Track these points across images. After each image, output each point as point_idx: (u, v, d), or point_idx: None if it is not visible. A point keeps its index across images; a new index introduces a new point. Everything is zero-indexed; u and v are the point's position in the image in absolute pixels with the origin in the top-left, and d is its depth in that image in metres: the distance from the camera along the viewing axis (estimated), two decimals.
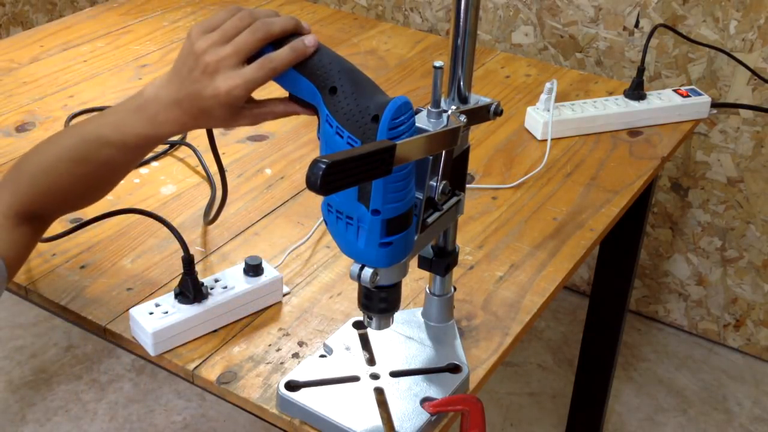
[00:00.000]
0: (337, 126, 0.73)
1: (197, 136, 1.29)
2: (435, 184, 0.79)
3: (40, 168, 0.87)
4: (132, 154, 0.87)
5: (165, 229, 0.94)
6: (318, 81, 0.76)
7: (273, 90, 0.82)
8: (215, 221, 1.11)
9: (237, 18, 0.80)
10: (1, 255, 0.84)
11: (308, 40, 0.78)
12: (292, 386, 0.85)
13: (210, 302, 0.93)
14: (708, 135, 1.83)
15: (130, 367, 1.92)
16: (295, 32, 0.80)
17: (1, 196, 0.88)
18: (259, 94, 0.82)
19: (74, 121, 1.33)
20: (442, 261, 0.89)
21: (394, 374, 0.87)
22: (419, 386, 0.85)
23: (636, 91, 1.40)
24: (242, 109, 0.82)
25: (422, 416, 0.82)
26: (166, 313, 0.91)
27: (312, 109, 0.79)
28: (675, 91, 1.43)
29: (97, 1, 2.57)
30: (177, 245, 0.92)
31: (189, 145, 1.27)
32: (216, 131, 1.30)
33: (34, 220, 0.89)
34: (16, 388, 1.86)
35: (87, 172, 0.87)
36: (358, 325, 0.92)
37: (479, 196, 1.20)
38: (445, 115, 0.78)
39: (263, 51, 0.80)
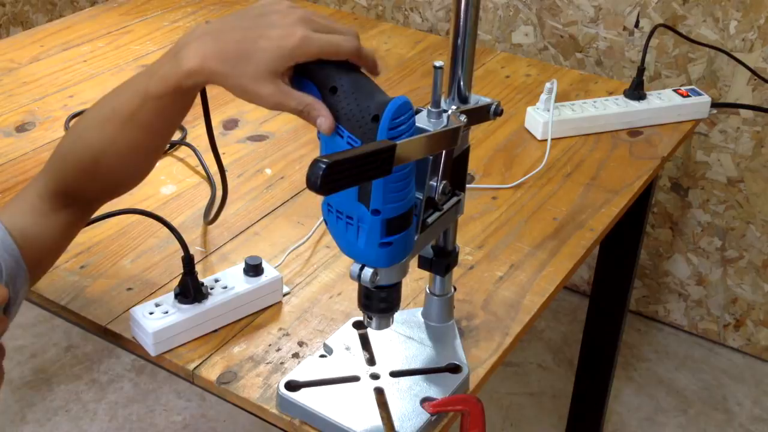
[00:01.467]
0: (337, 126, 0.73)
1: (197, 137, 1.29)
2: (435, 184, 0.79)
3: (73, 138, 0.83)
4: (156, 105, 0.78)
5: (165, 229, 0.94)
6: (318, 81, 0.75)
7: None
8: (215, 221, 1.11)
9: (343, 29, 0.76)
10: (29, 243, 0.80)
11: (323, 122, 0.72)
12: (292, 386, 0.85)
13: (210, 302, 0.93)
14: (708, 135, 1.83)
15: (130, 367, 1.92)
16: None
17: (39, 176, 0.84)
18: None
19: (74, 122, 1.34)
20: (442, 261, 0.89)
21: (394, 374, 0.87)
22: (419, 386, 0.85)
23: (636, 91, 1.40)
24: (278, 77, 0.74)
25: (422, 416, 0.82)
26: (166, 313, 0.91)
27: (334, 123, 0.77)
28: (675, 91, 1.43)
29: (97, 1, 2.57)
30: (177, 245, 0.92)
31: (189, 145, 1.27)
32: (216, 131, 1.30)
33: (75, 203, 0.85)
34: (16, 388, 1.86)
35: (116, 134, 0.80)
36: (358, 325, 0.92)
37: (479, 196, 1.20)
38: (445, 115, 0.78)
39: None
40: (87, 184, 0.85)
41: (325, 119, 0.72)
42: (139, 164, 0.86)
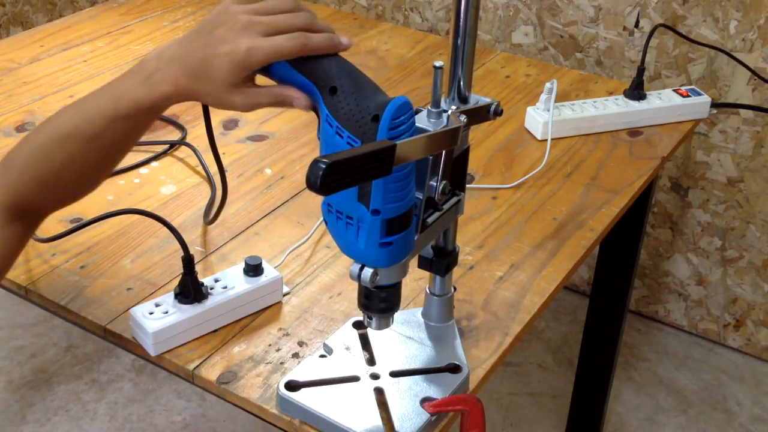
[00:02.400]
0: (337, 126, 0.73)
1: (197, 137, 1.29)
2: (435, 184, 0.79)
3: (30, 152, 0.83)
4: (125, 125, 0.81)
5: (165, 229, 0.94)
6: (318, 81, 0.75)
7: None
8: (215, 221, 1.11)
9: (287, 18, 0.78)
10: None
11: (345, 40, 0.78)
12: (292, 386, 0.85)
13: (210, 302, 0.93)
14: (708, 135, 1.83)
15: (130, 367, 1.92)
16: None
17: None
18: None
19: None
20: (442, 261, 0.89)
21: (394, 374, 0.87)
22: (419, 386, 0.85)
23: (636, 91, 1.40)
24: (242, 85, 0.78)
25: (422, 416, 0.82)
26: (166, 313, 0.91)
27: (309, 100, 0.78)
28: (675, 91, 1.43)
29: (97, 1, 2.57)
30: (177, 245, 0.92)
31: (189, 145, 1.27)
32: (216, 131, 1.30)
33: (27, 214, 0.86)
34: (16, 388, 1.86)
35: (79, 151, 0.82)
36: (358, 325, 0.92)
37: (479, 196, 1.20)
38: (445, 115, 0.78)
39: (276, 67, 0.79)
40: (43, 196, 0.86)
41: (300, 98, 0.78)
42: (98, 178, 0.88)
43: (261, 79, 0.80)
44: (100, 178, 0.88)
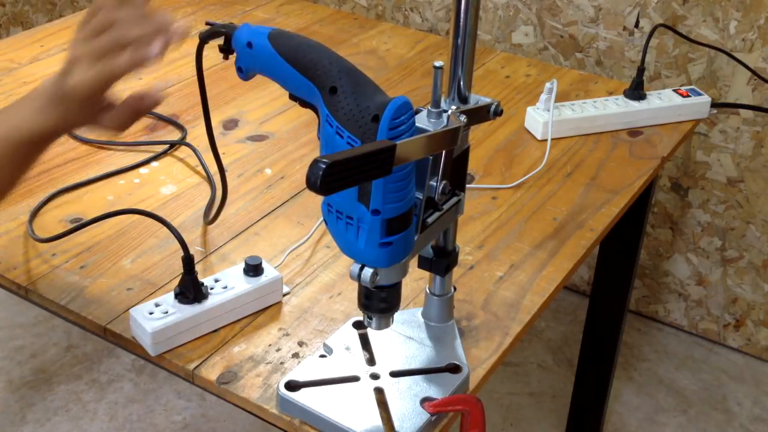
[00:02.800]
0: (337, 126, 0.73)
1: (197, 137, 1.29)
2: (435, 184, 0.79)
3: None
4: (20, 151, 0.84)
5: (165, 229, 0.94)
6: (318, 81, 0.75)
7: (281, 91, 0.82)
8: (215, 221, 1.11)
9: (102, 16, 0.81)
10: None
11: (153, 49, 0.80)
12: (292, 386, 0.85)
13: (210, 302, 0.93)
14: (708, 135, 1.83)
15: (130, 367, 1.92)
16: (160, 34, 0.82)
17: None
18: (274, 94, 0.82)
19: None
20: (442, 261, 0.89)
21: (394, 374, 0.87)
22: (419, 386, 0.85)
23: (636, 91, 1.40)
24: (101, 110, 0.84)
25: (422, 416, 0.82)
26: (166, 313, 0.91)
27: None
28: (675, 91, 1.43)
29: None
30: (177, 245, 0.92)
31: (189, 145, 1.27)
32: (216, 131, 1.30)
33: None
34: (16, 388, 1.86)
35: None
36: (358, 325, 0.92)
37: (479, 196, 1.20)
38: (445, 115, 0.78)
39: (276, 68, 0.80)
40: None
41: (152, 97, 0.84)
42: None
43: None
44: None
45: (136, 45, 0.79)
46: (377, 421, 0.81)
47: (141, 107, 0.85)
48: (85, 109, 0.82)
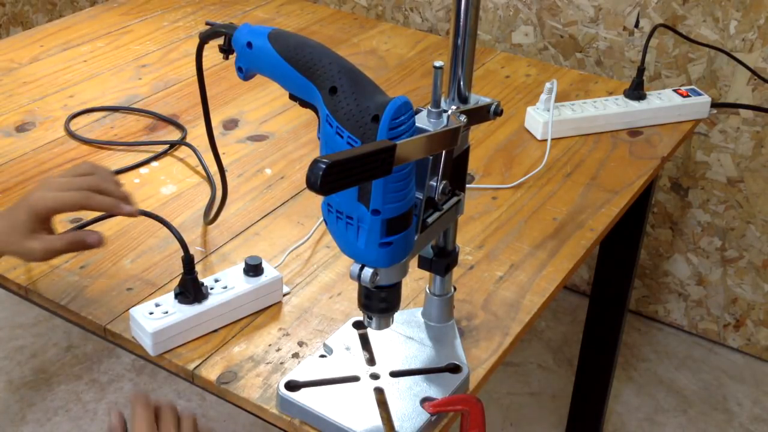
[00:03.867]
0: (337, 126, 0.73)
1: (197, 137, 1.29)
2: (435, 184, 0.79)
3: None
4: None
5: (165, 229, 0.94)
6: (318, 81, 0.76)
7: (281, 91, 0.82)
8: (215, 221, 1.11)
9: (84, 166, 0.95)
10: None
11: (128, 209, 0.93)
12: (292, 386, 0.85)
13: (210, 302, 0.93)
14: (708, 135, 1.83)
15: (130, 367, 1.92)
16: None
17: None
18: (274, 94, 0.82)
19: (74, 121, 1.34)
20: (442, 261, 0.89)
21: (394, 374, 0.87)
22: (419, 386, 0.85)
23: (636, 91, 1.40)
24: (38, 231, 0.91)
25: (422, 416, 0.82)
26: (166, 313, 0.91)
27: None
28: (675, 91, 1.43)
29: (97, 1, 2.57)
30: (177, 245, 0.92)
31: (189, 145, 1.27)
32: (216, 131, 1.30)
33: None
34: (16, 388, 1.86)
35: None
36: (358, 325, 0.92)
37: (479, 196, 1.20)
38: (445, 115, 0.78)
39: (277, 68, 0.81)
40: None
41: (93, 235, 0.91)
42: None
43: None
44: None
45: (106, 193, 0.92)
46: (377, 421, 0.81)
47: (80, 240, 0.92)
48: (29, 223, 0.89)
